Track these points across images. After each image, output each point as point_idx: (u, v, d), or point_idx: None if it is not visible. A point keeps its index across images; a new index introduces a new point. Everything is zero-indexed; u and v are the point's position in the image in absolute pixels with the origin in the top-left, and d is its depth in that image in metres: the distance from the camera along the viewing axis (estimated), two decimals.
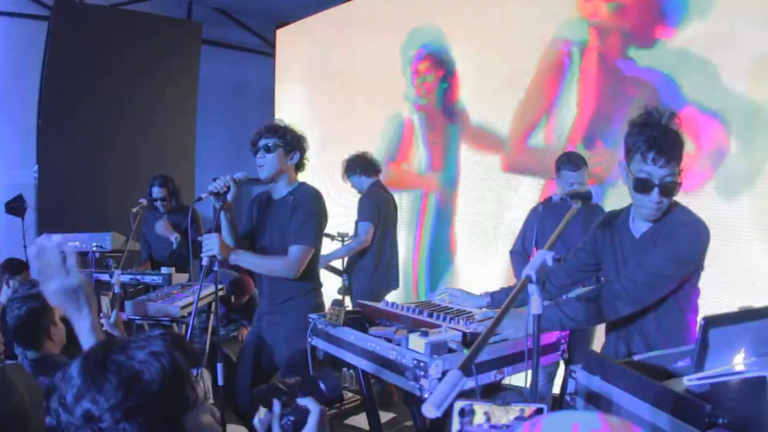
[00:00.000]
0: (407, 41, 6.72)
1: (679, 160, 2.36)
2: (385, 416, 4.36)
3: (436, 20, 6.44)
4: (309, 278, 3.44)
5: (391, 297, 5.10)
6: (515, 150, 5.69)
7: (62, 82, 7.21)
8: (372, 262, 5.26)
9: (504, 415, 1.34)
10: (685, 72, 4.43)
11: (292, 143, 3.44)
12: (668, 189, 2.37)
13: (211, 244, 3.12)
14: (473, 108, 6.07)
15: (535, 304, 1.70)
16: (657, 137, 2.35)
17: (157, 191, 5.52)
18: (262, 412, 1.58)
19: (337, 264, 5.50)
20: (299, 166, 3.54)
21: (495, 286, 3.16)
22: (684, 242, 2.42)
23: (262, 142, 3.42)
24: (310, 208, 3.39)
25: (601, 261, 2.70)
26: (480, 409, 1.34)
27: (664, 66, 4.56)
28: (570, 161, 4.06)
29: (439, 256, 6.34)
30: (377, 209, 5.22)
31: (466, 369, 1.35)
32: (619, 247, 2.59)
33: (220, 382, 3.00)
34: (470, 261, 6.05)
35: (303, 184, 3.53)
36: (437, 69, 6.48)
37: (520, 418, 1.32)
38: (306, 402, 1.54)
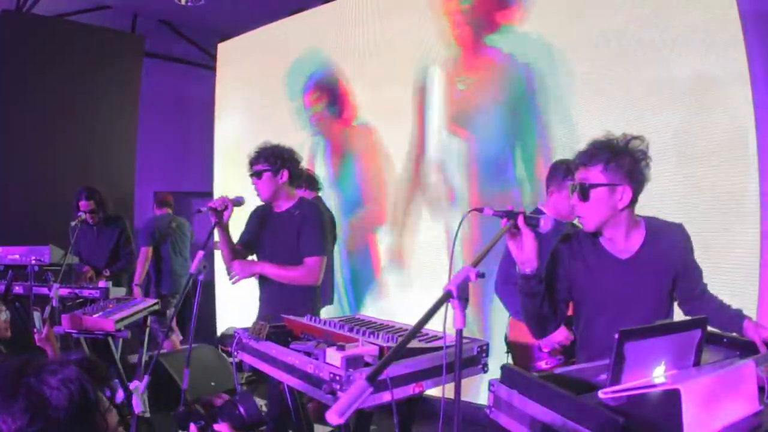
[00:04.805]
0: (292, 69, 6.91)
1: (600, 165, 2.36)
2: (321, 430, 4.30)
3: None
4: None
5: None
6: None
7: (2, 92, 7.07)
8: None
9: None
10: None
11: (277, 164, 3.62)
12: (577, 188, 2.41)
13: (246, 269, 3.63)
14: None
15: (457, 319, 1.67)
16: (586, 148, 2.42)
17: (84, 204, 5.44)
18: None
19: None
20: (294, 178, 3.74)
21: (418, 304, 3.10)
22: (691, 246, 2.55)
23: (253, 169, 3.66)
24: (318, 221, 3.65)
25: (575, 292, 2.58)
26: None
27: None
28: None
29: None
30: None
31: (372, 380, 1.33)
32: (598, 275, 2.51)
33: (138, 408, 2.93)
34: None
35: (303, 198, 3.79)
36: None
37: None
38: (221, 428, 1.55)
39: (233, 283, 3.64)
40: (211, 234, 3.49)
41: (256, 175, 3.65)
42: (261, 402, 2.33)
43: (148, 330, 4.66)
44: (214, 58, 8.34)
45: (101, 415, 1.32)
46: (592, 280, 2.52)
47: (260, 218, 3.84)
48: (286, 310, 3.39)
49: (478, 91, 5.20)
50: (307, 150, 6.60)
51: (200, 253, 3.20)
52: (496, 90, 5.05)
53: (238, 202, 3.54)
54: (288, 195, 3.72)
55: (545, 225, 2.23)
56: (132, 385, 2.95)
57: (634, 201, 2.42)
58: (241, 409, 1.69)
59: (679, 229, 2.56)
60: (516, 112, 4.93)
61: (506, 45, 4.99)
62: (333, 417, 1.28)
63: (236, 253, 3.73)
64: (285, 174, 3.64)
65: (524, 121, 4.89)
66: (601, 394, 1.68)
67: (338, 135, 6.47)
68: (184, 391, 3.04)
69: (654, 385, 1.62)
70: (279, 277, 3.61)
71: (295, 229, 3.60)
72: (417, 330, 1.55)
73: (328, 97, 6.56)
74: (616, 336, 1.68)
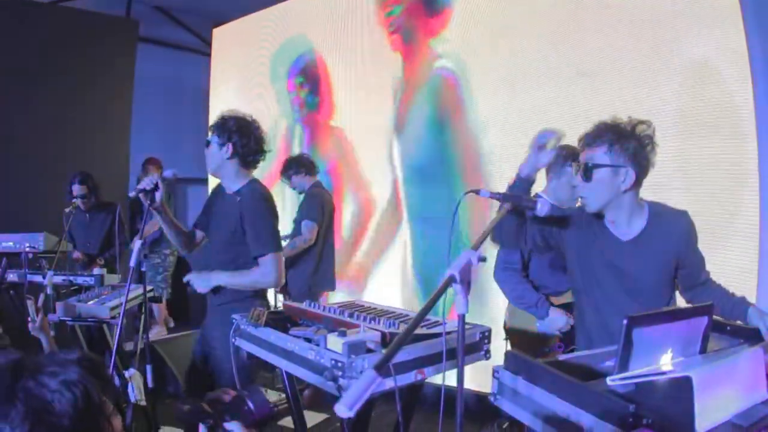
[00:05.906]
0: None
1: (604, 146, 2.36)
2: (317, 417, 4.30)
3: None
4: None
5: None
6: None
7: None
8: (313, 262, 5.30)
9: None
10: None
11: (222, 136, 3.25)
12: (581, 168, 2.42)
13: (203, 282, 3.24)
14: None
15: (460, 304, 1.63)
16: (592, 129, 2.41)
17: (77, 189, 5.42)
18: None
19: None
20: (245, 158, 3.29)
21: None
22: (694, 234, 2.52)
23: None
24: (261, 212, 3.22)
25: (570, 260, 2.61)
26: None
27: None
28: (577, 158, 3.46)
29: None
30: (321, 209, 5.31)
31: (381, 369, 1.28)
32: (600, 254, 2.51)
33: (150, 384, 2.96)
34: None
35: (250, 182, 3.33)
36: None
37: None
38: (233, 427, 1.47)
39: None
40: (147, 220, 3.25)
41: (206, 144, 3.29)
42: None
43: (143, 316, 4.63)
44: (209, 43, 8.29)
45: (107, 419, 1.19)
46: (589, 250, 2.53)
47: (214, 197, 3.50)
48: (219, 308, 3.25)
49: None
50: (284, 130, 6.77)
51: (137, 243, 2.96)
52: None
53: (166, 177, 3.21)
54: (236, 175, 3.29)
55: (542, 208, 2.19)
56: (128, 374, 2.92)
57: (637, 185, 2.42)
58: (251, 405, 1.58)
59: (683, 216, 2.53)
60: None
61: None
62: (342, 410, 1.21)
63: (182, 236, 3.42)
64: (229, 149, 3.23)
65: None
66: (609, 381, 1.65)
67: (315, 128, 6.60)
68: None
69: (664, 373, 1.59)
70: (236, 287, 3.23)
71: (233, 219, 3.20)
72: (423, 316, 1.52)
73: (310, 85, 6.65)
74: (625, 322, 1.66)
